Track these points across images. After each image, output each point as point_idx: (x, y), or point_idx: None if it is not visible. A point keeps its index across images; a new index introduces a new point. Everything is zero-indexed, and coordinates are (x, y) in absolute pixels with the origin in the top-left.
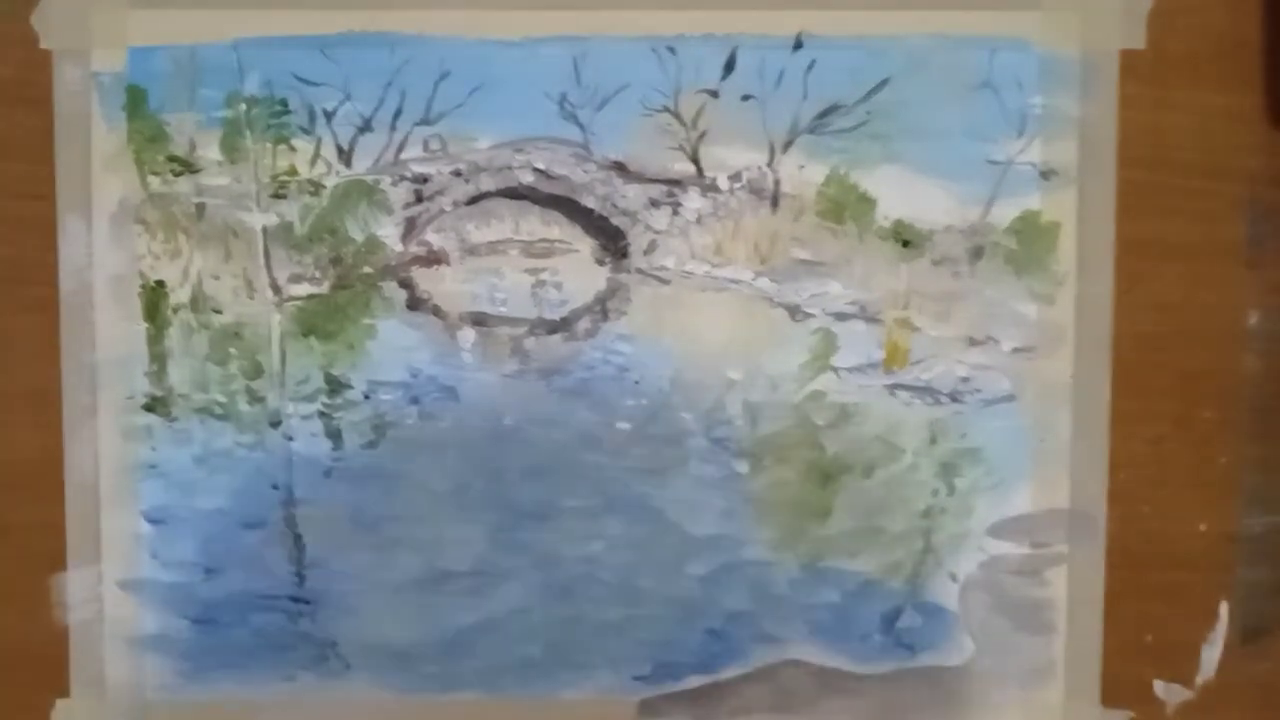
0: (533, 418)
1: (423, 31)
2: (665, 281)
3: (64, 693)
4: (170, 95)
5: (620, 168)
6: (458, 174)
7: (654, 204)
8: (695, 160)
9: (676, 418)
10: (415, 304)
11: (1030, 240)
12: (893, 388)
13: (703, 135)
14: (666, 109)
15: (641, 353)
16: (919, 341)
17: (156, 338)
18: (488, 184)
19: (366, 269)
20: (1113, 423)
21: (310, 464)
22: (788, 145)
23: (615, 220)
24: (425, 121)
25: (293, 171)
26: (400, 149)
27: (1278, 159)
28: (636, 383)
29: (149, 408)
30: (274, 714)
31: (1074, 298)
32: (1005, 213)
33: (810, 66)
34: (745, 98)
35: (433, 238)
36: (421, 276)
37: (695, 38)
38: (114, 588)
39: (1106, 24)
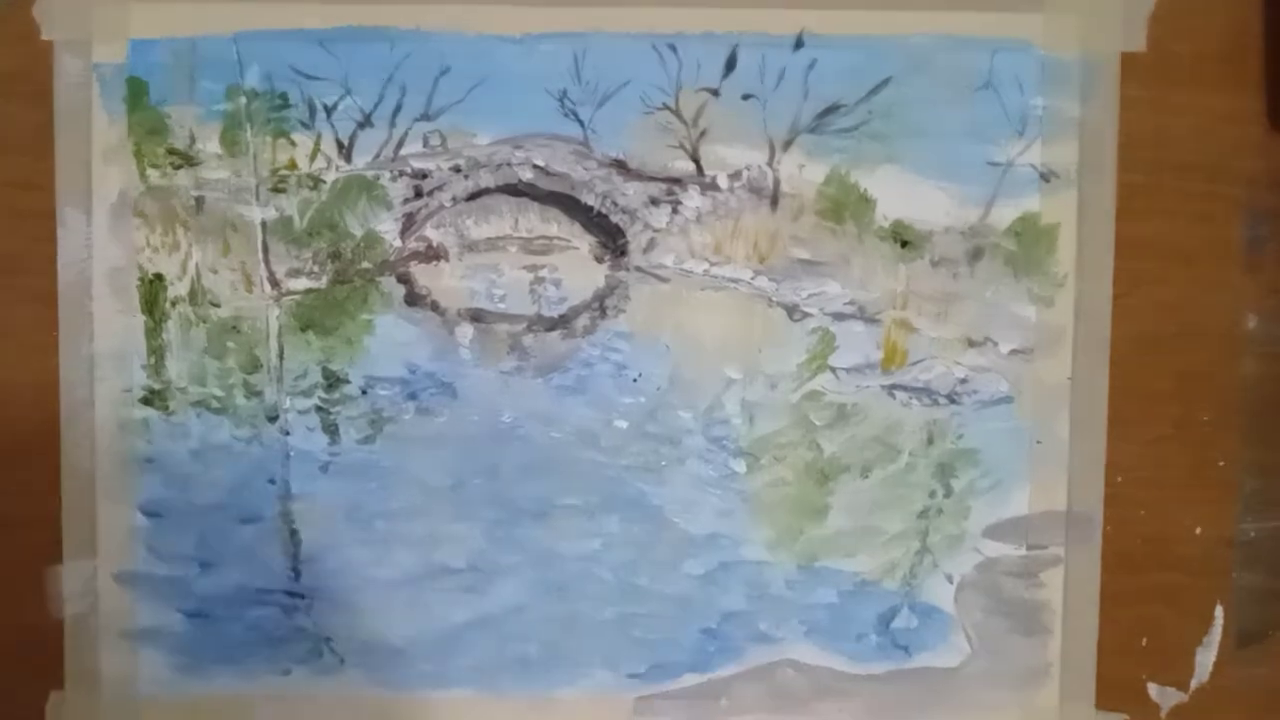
0: (530, 415)
1: (423, 26)
2: (664, 280)
3: (58, 685)
4: (170, 88)
5: (620, 165)
6: (457, 170)
7: (653, 202)
8: (695, 158)
9: (674, 416)
10: (414, 300)
11: (1030, 242)
12: (890, 388)
13: (703, 133)
14: (667, 107)
15: (640, 351)
16: (917, 342)
17: (154, 331)
18: (487, 180)
19: (365, 264)
20: (1110, 425)
21: (307, 459)
22: (788, 144)
23: (614, 218)
24: (425, 117)
25: (292, 166)
26: (400, 144)
27: (1277, 162)
28: (634, 381)
29: (146, 401)
30: (268, 708)
31: (1073, 300)
32: (1005, 214)
33: (811, 66)
34: (746, 96)
35: (432, 233)
36: (420, 272)
37: (696, 36)
38: (109, 581)
39: (1107, 26)
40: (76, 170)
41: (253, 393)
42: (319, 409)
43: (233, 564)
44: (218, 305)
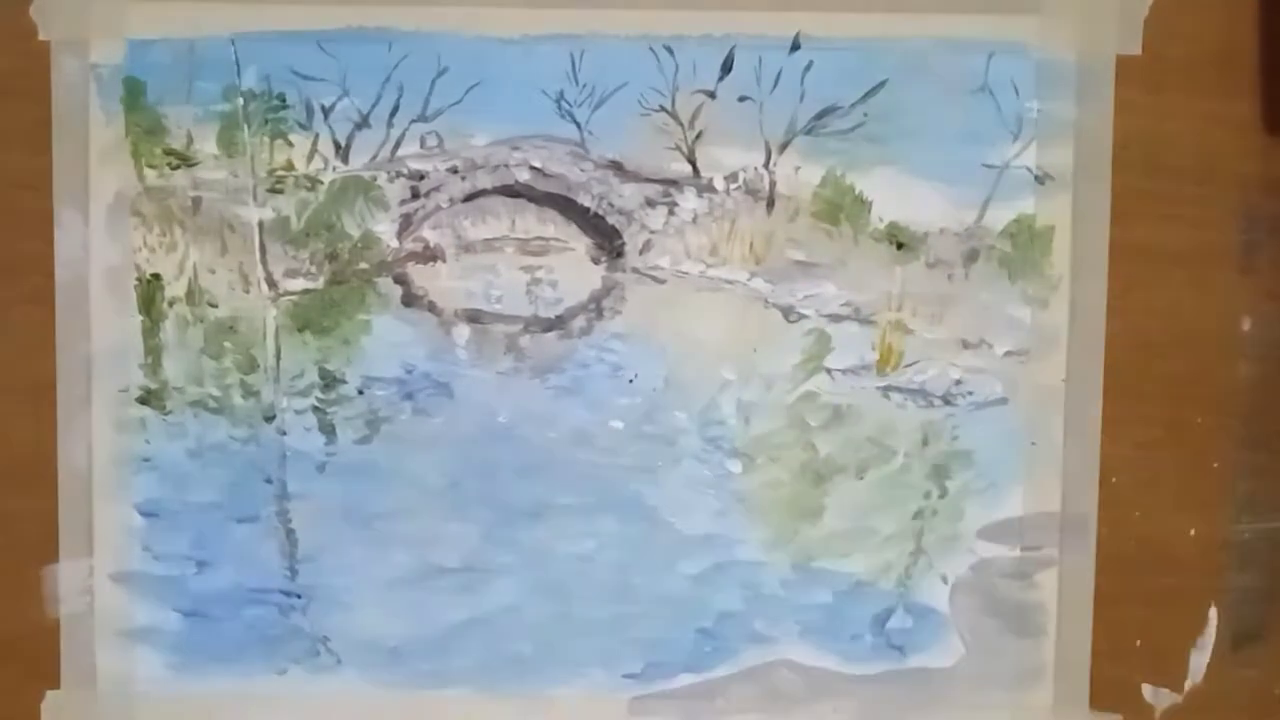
0: (526, 415)
1: (421, 28)
2: (660, 281)
3: (54, 684)
4: (168, 88)
5: (617, 167)
6: (454, 171)
7: (650, 203)
8: (691, 160)
9: (670, 417)
10: (410, 300)
11: (1024, 244)
12: (885, 389)
13: (699, 135)
14: (663, 109)
15: (636, 351)
16: (912, 344)
17: (151, 331)
18: (484, 181)
19: (362, 265)
20: (1104, 427)
21: (303, 458)
22: (784, 146)
23: (611, 219)
24: (423, 118)
25: (289, 166)
26: (397, 145)
27: (1272, 165)
28: (630, 381)
29: (143, 400)
30: (264, 707)
31: (1068, 302)
32: (1000, 216)
33: (808, 68)
34: (742, 98)
35: (429, 234)
36: (417, 273)
37: (693, 38)
38: (106, 580)
39: (1103, 29)
40: (74, 170)
41: (250, 393)
42: (316, 409)
43: (229, 563)
44: (215, 305)
